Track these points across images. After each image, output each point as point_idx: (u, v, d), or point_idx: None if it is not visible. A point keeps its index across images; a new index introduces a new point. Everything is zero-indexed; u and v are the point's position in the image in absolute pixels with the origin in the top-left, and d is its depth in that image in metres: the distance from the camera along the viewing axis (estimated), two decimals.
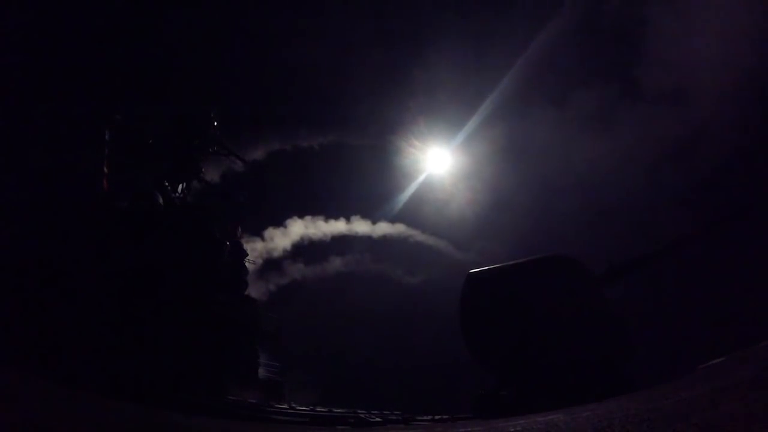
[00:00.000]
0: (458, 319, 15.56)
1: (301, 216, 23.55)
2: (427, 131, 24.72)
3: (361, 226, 24.20)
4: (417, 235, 23.99)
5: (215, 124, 19.41)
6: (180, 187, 18.56)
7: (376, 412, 15.03)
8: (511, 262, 16.05)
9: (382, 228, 24.38)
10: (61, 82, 16.53)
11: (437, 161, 25.24)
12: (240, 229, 19.93)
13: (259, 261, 22.50)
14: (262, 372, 18.09)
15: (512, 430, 6.77)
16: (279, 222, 23.43)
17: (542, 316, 13.75)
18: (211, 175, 19.78)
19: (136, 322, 13.85)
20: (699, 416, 5.37)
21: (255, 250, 22.46)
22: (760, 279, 16.69)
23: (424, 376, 20.59)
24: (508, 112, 23.97)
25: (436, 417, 14.35)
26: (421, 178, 25.50)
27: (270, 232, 22.78)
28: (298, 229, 23.46)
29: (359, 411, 14.96)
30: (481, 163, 24.13)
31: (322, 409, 14.76)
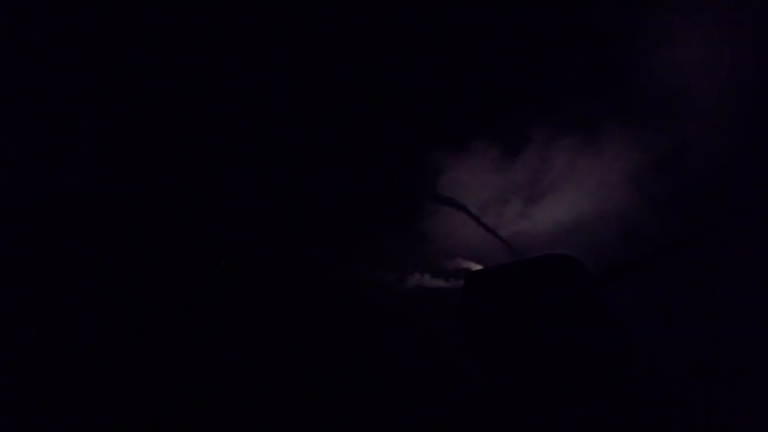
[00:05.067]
0: (458, 318, 15.54)
1: None
2: None
3: None
4: None
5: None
6: (179, 186, 18.54)
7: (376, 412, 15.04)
8: (511, 262, 16.04)
9: None
10: (62, 82, 16.56)
11: None
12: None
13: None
14: (261, 372, 18.05)
15: None
16: None
17: (542, 315, 13.75)
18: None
19: (133, 321, 13.87)
20: (700, 419, 5.38)
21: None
22: (760, 279, 16.67)
23: (423, 376, 20.63)
24: None
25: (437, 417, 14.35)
26: None
27: None
28: None
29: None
30: None
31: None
